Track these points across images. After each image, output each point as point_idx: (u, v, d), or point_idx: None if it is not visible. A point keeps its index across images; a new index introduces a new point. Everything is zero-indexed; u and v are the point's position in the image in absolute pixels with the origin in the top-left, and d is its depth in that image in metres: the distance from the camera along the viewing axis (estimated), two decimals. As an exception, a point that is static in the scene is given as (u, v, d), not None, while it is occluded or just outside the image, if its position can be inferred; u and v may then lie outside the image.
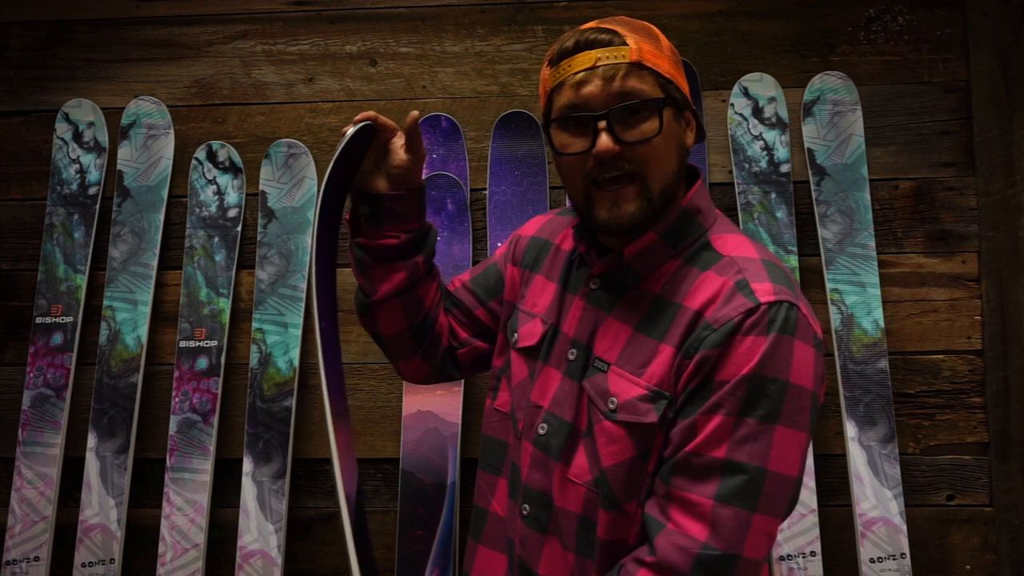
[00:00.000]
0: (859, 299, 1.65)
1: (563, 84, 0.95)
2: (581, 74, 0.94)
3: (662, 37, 1.00)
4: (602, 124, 0.92)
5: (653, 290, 0.98)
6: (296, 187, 1.78)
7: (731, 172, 1.74)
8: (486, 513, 1.11)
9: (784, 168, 1.71)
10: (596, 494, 0.96)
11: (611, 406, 0.95)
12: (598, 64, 0.93)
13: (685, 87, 1.00)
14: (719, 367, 0.88)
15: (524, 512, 1.02)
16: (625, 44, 0.94)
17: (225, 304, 1.73)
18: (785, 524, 1.57)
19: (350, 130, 1.05)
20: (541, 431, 1.02)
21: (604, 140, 0.92)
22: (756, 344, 0.87)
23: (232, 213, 1.78)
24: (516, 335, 1.11)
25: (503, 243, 1.25)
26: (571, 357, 1.03)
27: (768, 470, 0.86)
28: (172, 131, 1.81)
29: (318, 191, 1.07)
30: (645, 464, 0.94)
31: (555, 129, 0.97)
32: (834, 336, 1.64)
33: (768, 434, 0.86)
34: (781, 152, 1.71)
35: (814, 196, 1.69)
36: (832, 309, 1.64)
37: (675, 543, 0.86)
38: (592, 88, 0.93)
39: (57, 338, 1.73)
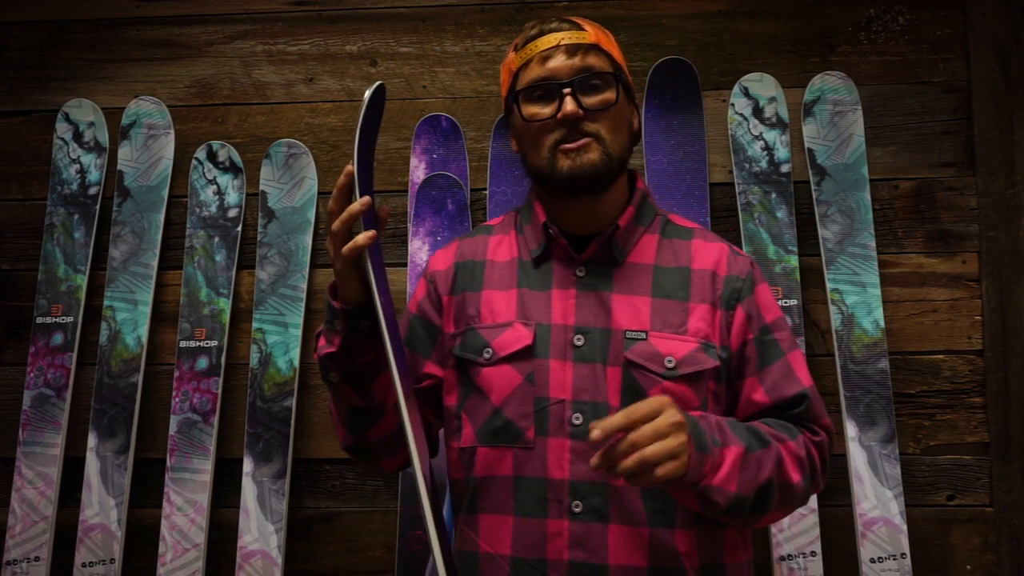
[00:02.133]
0: (859, 299, 1.65)
1: (530, 62, 1.09)
2: (547, 51, 1.07)
3: (612, 36, 1.15)
4: (567, 91, 1.05)
5: (648, 262, 1.11)
6: (296, 187, 1.78)
7: (731, 172, 1.74)
8: (477, 555, 1.07)
9: (784, 168, 1.71)
10: None
11: (669, 365, 1.04)
12: (561, 43, 1.07)
13: (631, 81, 1.15)
14: (762, 312, 1.10)
15: (576, 509, 1.01)
16: (584, 30, 1.09)
17: (225, 304, 1.73)
18: (785, 523, 1.57)
19: (367, 92, 1.04)
20: (576, 421, 1.03)
21: (569, 103, 1.04)
22: (768, 289, 1.13)
23: (232, 213, 1.78)
24: (490, 349, 1.08)
25: (410, 300, 1.22)
26: (578, 343, 1.06)
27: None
28: (172, 131, 1.81)
29: (354, 175, 1.05)
30: (706, 411, 1.05)
31: (523, 101, 1.09)
32: (834, 336, 1.63)
33: None
34: (781, 152, 1.71)
35: (814, 196, 1.69)
36: (832, 309, 1.64)
37: (816, 439, 1.08)
38: (557, 62, 1.07)
39: (57, 338, 1.73)
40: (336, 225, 1.02)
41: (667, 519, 1.02)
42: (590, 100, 1.06)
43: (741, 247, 1.68)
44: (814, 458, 1.06)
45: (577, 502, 1.02)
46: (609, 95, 1.07)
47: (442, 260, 1.20)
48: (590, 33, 1.09)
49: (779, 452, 1.00)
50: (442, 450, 1.26)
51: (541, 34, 1.09)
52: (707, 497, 0.94)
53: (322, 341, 1.10)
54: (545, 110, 1.06)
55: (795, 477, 1.01)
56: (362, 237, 1.00)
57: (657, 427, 0.87)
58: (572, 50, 1.07)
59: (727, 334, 1.08)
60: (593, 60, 1.07)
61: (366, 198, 1.01)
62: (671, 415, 0.89)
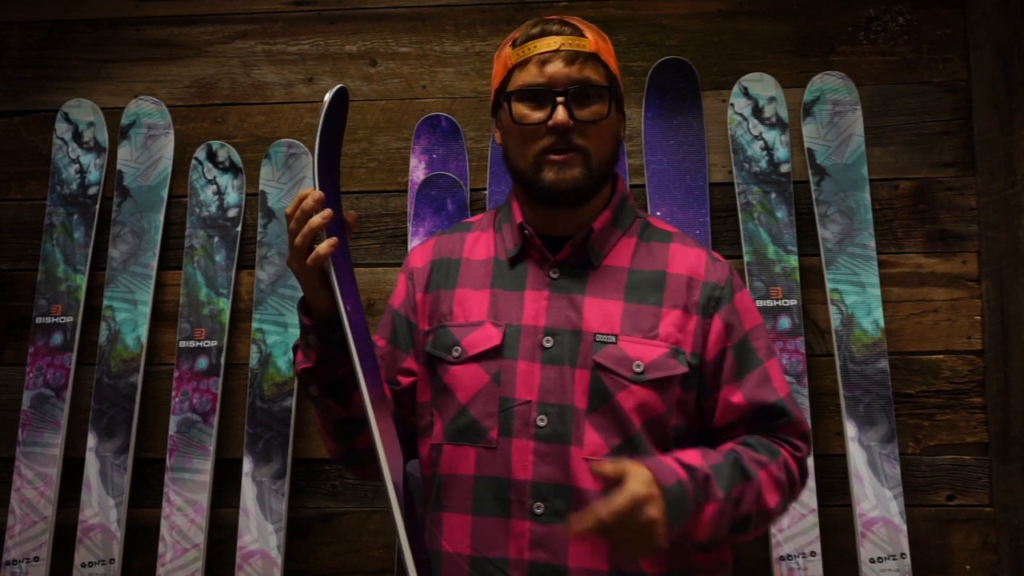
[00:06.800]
0: (859, 299, 1.65)
1: (527, 62, 1.07)
2: (546, 55, 1.06)
3: (610, 41, 1.14)
4: (560, 99, 1.05)
5: (623, 265, 1.10)
6: (296, 187, 1.78)
7: (731, 172, 1.74)
8: (440, 554, 1.08)
9: (784, 168, 1.71)
10: None
11: (637, 369, 1.04)
12: (561, 48, 1.06)
13: (623, 90, 1.15)
14: (741, 320, 1.09)
15: (537, 510, 1.02)
16: (585, 37, 1.08)
17: (225, 304, 1.73)
18: (785, 523, 1.57)
19: (327, 95, 1.03)
20: (541, 423, 1.03)
21: (561, 113, 1.04)
22: (748, 295, 1.13)
23: (232, 213, 1.78)
24: (459, 348, 1.08)
25: (392, 296, 1.21)
26: (547, 345, 1.06)
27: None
28: (172, 131, 1.81)
29: (314, 179, 1.04)
30: (671, 417, 1.06)
31: (515, 101, 1.08)
32: (834, 336, 1.63)
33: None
34: (781, 152, 1.71)
35: (814, 196, 1.69)
36: (832, 309, 1.64)
37: (796, 455, 1.08)
38: (554, 68, 1.06)
39: (57, 338, 1.73)
40: (299, 240, 1.00)
41: None
42: (582, 112, 1.06)
43: (741, 247, 1.68)
44: (793, 475, 1.07)
45: (539, 503, 1.02)
46: (601, 108, 1.07)
47: (420, 257, 1.19)
48: (590, 41, 1.08)
49: (759, 483, 1.01)
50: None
51: (542, 34, 1.08)
52: (681, 543, 0.98)
53: (299, 356, 1.09)
54: (536, 114, 1.06)
55: (772, 501, 1.03)
56: (323, 246, 1.00)
57: (631, 529, 0.90)
58: (571, 57, 1.06)
59: (702, 341, 1.07)
60: (590, 72, 1.07)
61: (327, 211, 0.99)
62: (646, 509, 0.89)
